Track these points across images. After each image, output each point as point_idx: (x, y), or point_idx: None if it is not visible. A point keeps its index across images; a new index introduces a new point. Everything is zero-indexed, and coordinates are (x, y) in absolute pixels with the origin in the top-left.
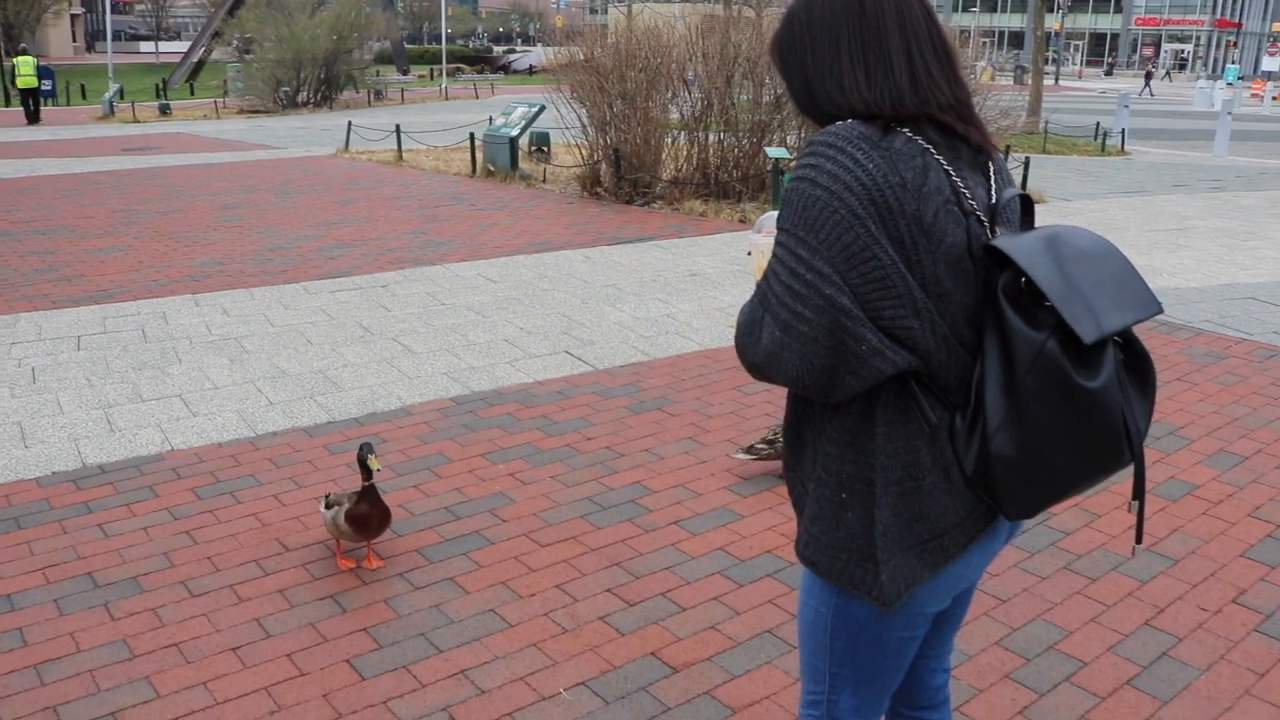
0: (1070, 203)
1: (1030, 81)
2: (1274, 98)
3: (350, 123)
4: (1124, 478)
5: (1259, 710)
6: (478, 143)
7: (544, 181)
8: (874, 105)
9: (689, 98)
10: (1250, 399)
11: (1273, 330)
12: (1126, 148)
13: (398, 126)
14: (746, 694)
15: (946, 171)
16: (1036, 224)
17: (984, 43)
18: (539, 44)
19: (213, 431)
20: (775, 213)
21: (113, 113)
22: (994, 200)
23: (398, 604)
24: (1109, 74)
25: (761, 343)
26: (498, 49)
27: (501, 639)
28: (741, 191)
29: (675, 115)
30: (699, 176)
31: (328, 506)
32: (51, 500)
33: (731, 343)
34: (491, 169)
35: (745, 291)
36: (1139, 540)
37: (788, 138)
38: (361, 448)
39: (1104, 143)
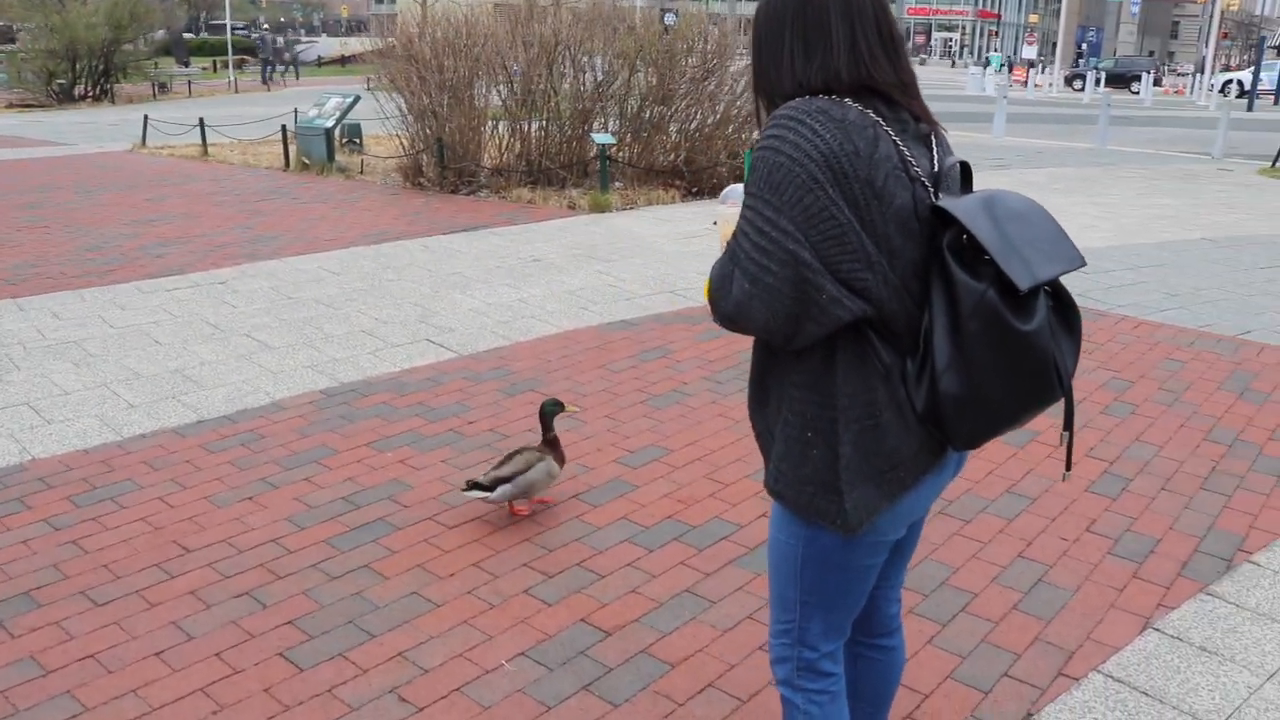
0: None
1: None
2: (1036, 84)
3: (147, 116)
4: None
5: (1124, 620)
6: (290, 135)
7: (362, 173)
8: (807, 83)
9: (513, 87)
10: None
11: (1077, 294)
12: None
13: (201, 120)
14: (680, 649)
15: (894, 141)
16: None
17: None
18: (324, 34)
19: (74, 438)
20: (738, 185)
21: None
22: (936, 167)
23: (318, 594)
24: None
25: (732, 294)
26: (282, 39)
27: (431, 619)
28: (566, 178)
29: (498, 103)
30: (523, 164)
31: (504, 479)
32: None
33: (588, 325)
34: (307, 162)
35: (590, 275)
36: (1069, 468)
37: (609, 123)
38: (546, 403)
39: None
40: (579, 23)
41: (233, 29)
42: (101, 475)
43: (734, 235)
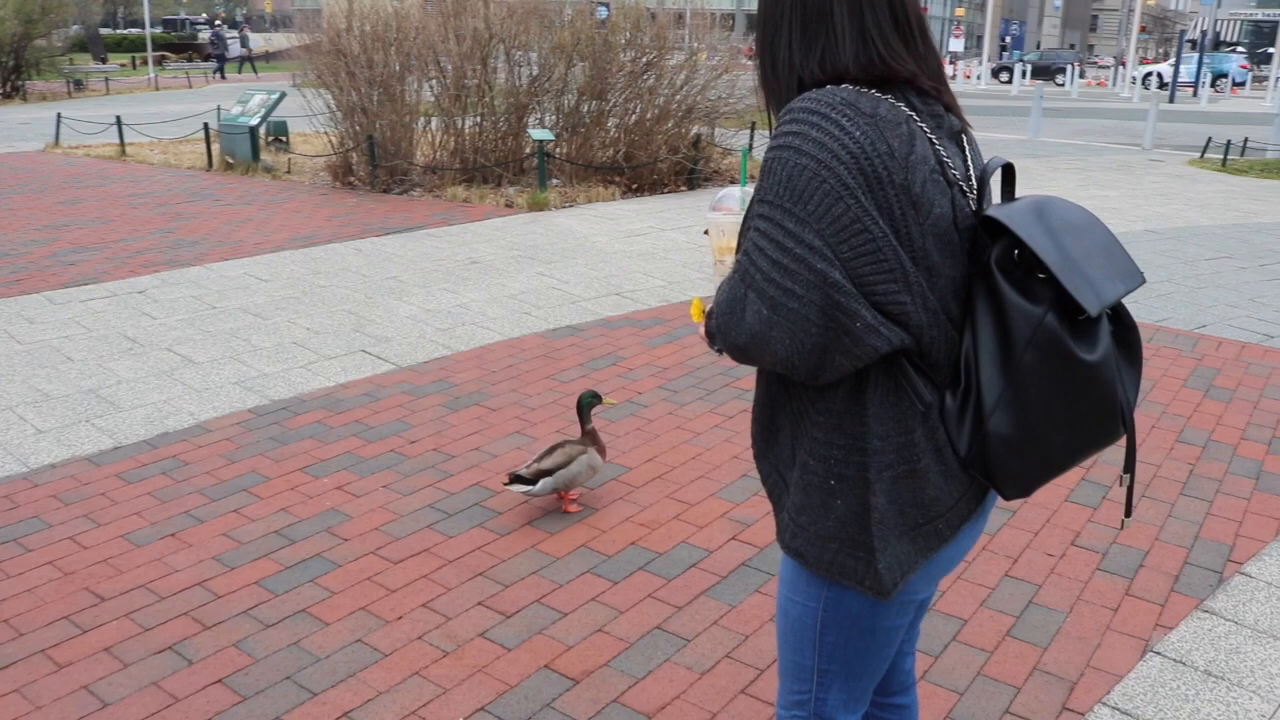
0: None
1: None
2: (965, 75)
3: (60, 115)
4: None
5: (1123, 643)
6: (213, 133)
7: (289, 173)
8: (809, 78)
9: (445, 82)
10: None
11: None
12: None
13: (118, 118)
14: (655, 697)
15: (930, 140)
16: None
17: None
18: (247, 30)
19: None
20: (733, 189)
21: None
22: (975, 170)
23: (250, 647)
24: None
25: (746, 322)
26: (204, 35)
27: (378, 671)
28: (502, 175)
29: (430, 98)
30: (457, 162)
31: (547, 472)
32: None
33: (533, 331)
34: (230, 161)
35: (531, 278)
36: (1128, 514)
37: (546, 119)
38: (583, 395)
39: None
40: (512, 16)
41: (192, 24)
42: (3, 513)
43: (745, 251)
